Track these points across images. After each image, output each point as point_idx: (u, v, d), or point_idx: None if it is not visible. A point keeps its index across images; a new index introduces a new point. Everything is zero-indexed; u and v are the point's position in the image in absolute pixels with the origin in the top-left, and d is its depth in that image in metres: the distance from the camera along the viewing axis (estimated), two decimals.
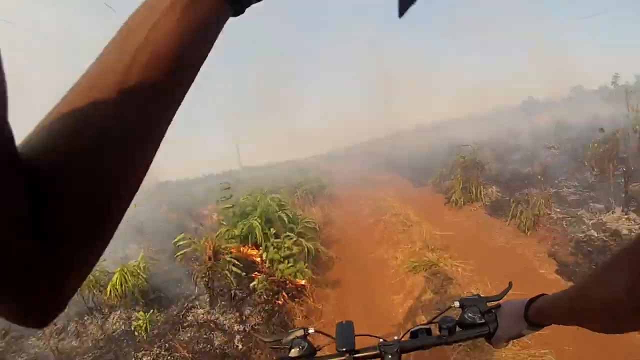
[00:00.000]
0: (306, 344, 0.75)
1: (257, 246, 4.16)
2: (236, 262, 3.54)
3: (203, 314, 3.33)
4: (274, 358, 0.74)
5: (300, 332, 0.77)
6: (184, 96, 0.28)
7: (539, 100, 20.22)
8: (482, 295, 0.76)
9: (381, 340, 0.75)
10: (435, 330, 0.76)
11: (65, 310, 0.26)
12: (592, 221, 4.04)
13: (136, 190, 0.27)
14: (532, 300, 0.63)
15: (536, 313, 0.62)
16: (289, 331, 0.78)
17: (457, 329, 0.74)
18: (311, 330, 0.78)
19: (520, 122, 12.94)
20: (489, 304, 0.73)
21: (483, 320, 0.71)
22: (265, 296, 3.49)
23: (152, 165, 0.28)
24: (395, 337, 0.75)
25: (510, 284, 0.79)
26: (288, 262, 3.73)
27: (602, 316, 0.44)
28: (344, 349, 0.72)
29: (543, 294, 0.62)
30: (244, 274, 3.55)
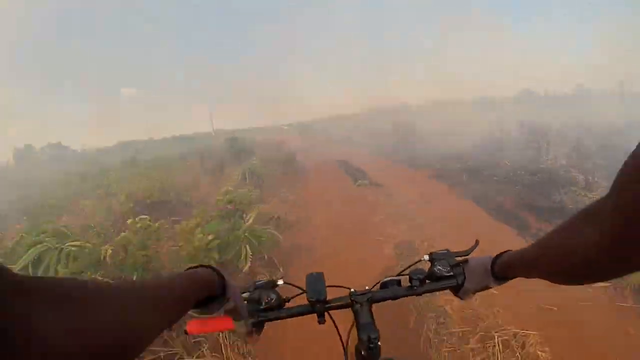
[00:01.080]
0: (275, 295, 0.74)
1: None
2: None
3: None
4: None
5: (268, 285, 0.76)
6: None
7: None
8: (451, 251, 0.78)
9: (352, 290, 0.75)
10: (405, 282, 0.77)
11: None
12: None
13: None
14: (498, 255, 0.67)
15: (502, 267, 0.65)
16: (257, 283, 0.76)
17: (427, 281, 0.75)
18: (280, 282, 0.77)
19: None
20: (457, 259, 0.76)
21: (451, 273, 0.73)
22: None
23: None
24: (367, 287, 0.76)
25: (477, 241, 0.81)
26: None
27: (570, 269, 0.45)
28: (314, 299, 0.71)
29: (509, 250, 0.65)
30: None
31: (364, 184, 7.58)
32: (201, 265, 0.56)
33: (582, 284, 0.47)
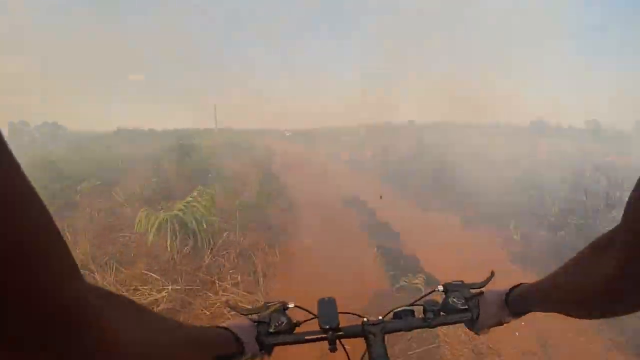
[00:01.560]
0: (285, 319, 0.72)
1: None
2: None
3: None
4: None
5: (279, 306, 0.74)
6: None
7: None
8: (465, 282, 0.76)
9: (365, 319, 0.74)
10: (418, 313, 0.76)
11: None
12: None
13: None
14: (512, 288, 0.65)
15: (516, 301, 0.63)
16: (267, 304, 0.75)
17: (441, 313, 0.74)
18: (291, 305, 0.76)
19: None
20: (472, 291, 0.74)
21: (466, 307, 0.72)
22: None
23: None
24: (380, 317, 0.74)
25: (492, 272, 0.79)
26: None
27: (586, 301, 0.43)
28: (327, 327, 0.69)
29: (522, 283, 0.64)
30: None
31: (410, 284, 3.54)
32: (218, 327, 0.63)
33: (600, 318, 0.45)
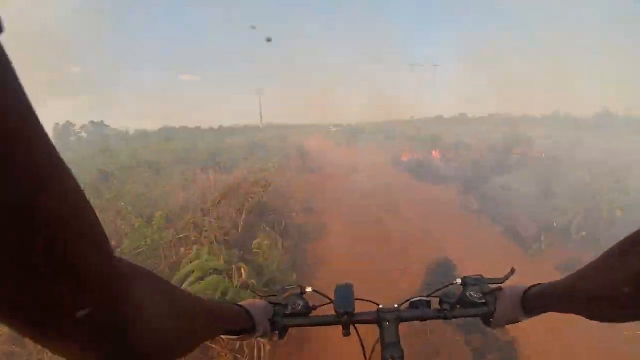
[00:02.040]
0: (302, 302, 0.74)
1: None
2: None
3: None
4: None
5: (297, 290, 0.76)
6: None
7: None
8: (484, 277, 0.74)
9: (380, 306, 0.74)
10: (435, 304, 0.75)
11: None
12: None
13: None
14: (531, 287, 0.63)
15: (533, 300, 0.62)
16: (286, 287, 0.77)
17: (458, 306, 0.72)
18: (309, 290, 0.77)
19: None
20: (491, 286, 0.72)
21: (484, 301, 0.70)
22: None
23: None
24: (396, 305, 0.74)
25: (512, 269, 0.76)
26: None
27: (611, 302, 0.41)
28: (342, 311, 0.71)
29: (541, 283, 0.61)
30: None
31: None
32: (233, 303, 0.65)
33: (628, 321, 0.42)
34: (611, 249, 0.41)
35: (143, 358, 0.30)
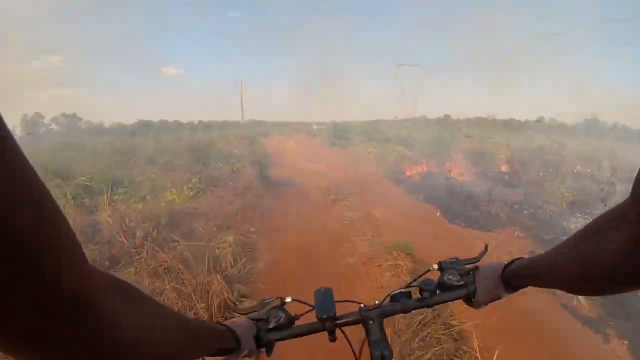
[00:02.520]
0: (284, 314, 0.72)
1: None
2: None
3: None
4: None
5: (276, 302, 0.73)
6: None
7: None
8: (460, 258, 0.74)
9: (362, 305, 0.74)
10: (415, 294, 0.75)
11: None
12: None
13: None
14: (510, 262, 0.63)
15: (513, 275, 0.62)
16: (265, 301, 0.74)
17: (437, 291, 0.73)
18: (288, 300, 0.75)
19: None
20: (467, 266, 0.72)
21: (462, 282, 0.71)
22: None
23: None
24: (377, 302, 0.74)
25: (486, 246, 0.77)
26: None
27: (589, 278, 0.41)
28: (324, 316, 0.69)
29: (520, 257, 0.62)
30: None
31: None
32: (218, 322, 0.63)
33: (604, 295, 0.43)
34: (590, 225, 0.42)
35: None
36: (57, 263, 0.22)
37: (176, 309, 2.37)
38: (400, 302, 0.73)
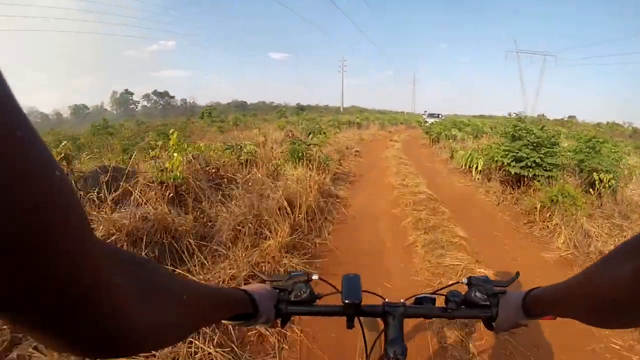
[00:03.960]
0: (308, 289, 0.73)
1: None
2: None
3: None
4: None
5: (303, 277, 0.75)
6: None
7: None
8: (490, 278, 0.71)
9: (386, 300, 0.73)
10: (439, 302, 0.73)
11: None
12: None
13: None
14: (530, 290, 0.62)
15: (533, 303, 0.61)
16: (291, 273, 0.76)
17: (462, 306, 0.70)
18: (315, 277, 0.76)
19: None
20: (496, 288, 0.69)
21: (487, 303, 0.68)
22: None
23: None
24: (401, 300, 0.73)
25: (517, 273, 0.73)
26: None
27: (606, 309, 0.40)
28: (349, 302, 0.69)
29: (540, 287, 0.60)
30: None
31: None
32: (236, 288, 0.62)
33: (623, 328, 0.43)
34: (609, 254, 0.41)
35: (126, 348, 0.29)
36: (61, 241, 0.20)
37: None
38: (424, 307, 0.72)
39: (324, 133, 10.08)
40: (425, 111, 34.64)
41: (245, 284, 0.70)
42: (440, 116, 29.86)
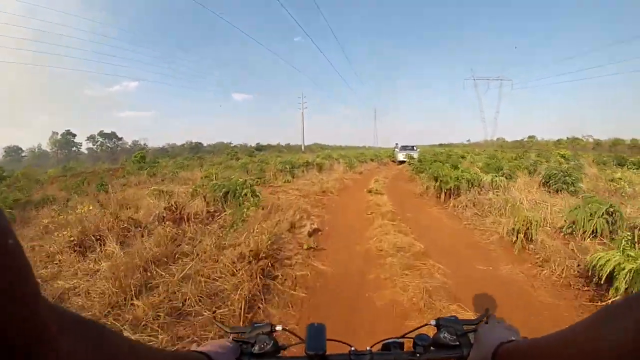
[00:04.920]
0: (271, 341, 0.71)
1: None
2: None
3: None
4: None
5: (266, 328, 0.73)
6: None
7: None
8: (459, 318, 0.73)
9: (352, 348, 0.72)
10: (408, 346, 0.73)
11: None
12: None
13: None
14: (504, 342, 0.58)
15: (505, 356, 0.57)
16: (255, 324, 0.74)
17: (431, 348, 0.70)
18: (278, 328, 0.74)
19: None
20: (465, 327, 0.70)
21: (457, 343, 0.68)
22: None
23: None
24: (368, 348, 0.72)
25: (486, 310, 0.74)
26: None
27: None
28: (313, 353, 0.67)
29: (515, 340, 0.59)
30: None
31: None
32: (190, 351, 0.59)
33: None
34: (592, 316, 0.40)
35: None
36: (12, 301, 0.21)
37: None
38: (392, 353, 0.72)
39: (253, 193, 6.09)
40: (397, 144, 28.61)
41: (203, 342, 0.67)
42: (415, 148, 25.04)
